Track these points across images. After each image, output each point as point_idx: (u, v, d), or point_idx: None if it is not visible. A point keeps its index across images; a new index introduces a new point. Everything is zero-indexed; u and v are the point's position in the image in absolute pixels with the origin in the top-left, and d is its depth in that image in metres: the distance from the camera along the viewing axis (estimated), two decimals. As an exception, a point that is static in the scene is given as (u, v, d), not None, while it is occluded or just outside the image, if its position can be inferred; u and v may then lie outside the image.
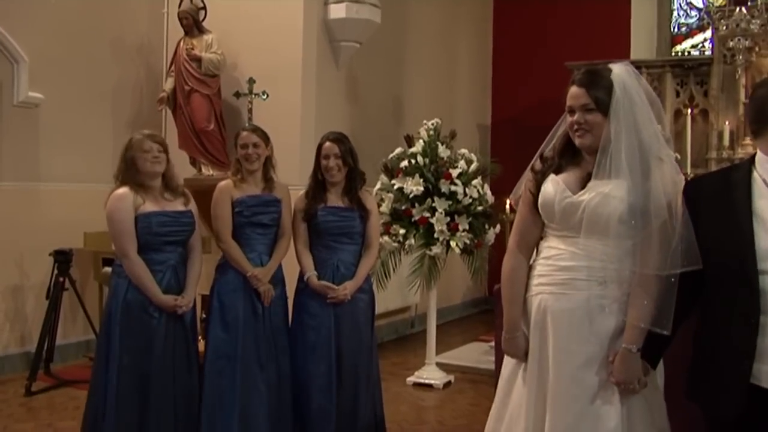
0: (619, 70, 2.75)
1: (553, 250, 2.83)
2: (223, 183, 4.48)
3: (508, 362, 3.00)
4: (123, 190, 4.07)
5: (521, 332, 2.90)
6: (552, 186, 2.82)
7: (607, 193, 2.67)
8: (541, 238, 2.93)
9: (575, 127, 2.76)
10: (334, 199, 4.45)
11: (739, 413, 2.48)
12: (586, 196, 2.72)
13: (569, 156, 2.86)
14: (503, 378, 3.01)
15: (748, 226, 2.47)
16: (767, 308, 2.43)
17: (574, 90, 2.77)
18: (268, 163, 4.49)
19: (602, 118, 2.71)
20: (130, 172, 4.08)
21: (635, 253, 2.67)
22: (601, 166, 2.70)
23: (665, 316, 2.60)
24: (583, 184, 2.77)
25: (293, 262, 4.50)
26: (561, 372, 2.74)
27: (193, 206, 4.25)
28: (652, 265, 2.63)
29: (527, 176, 2.96)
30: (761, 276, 2.43)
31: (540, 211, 2.86)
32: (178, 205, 4.16)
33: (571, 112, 2.78)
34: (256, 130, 4.50)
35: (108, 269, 5.81)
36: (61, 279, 6.08)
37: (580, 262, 2.73)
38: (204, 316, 4.90)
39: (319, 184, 4.47)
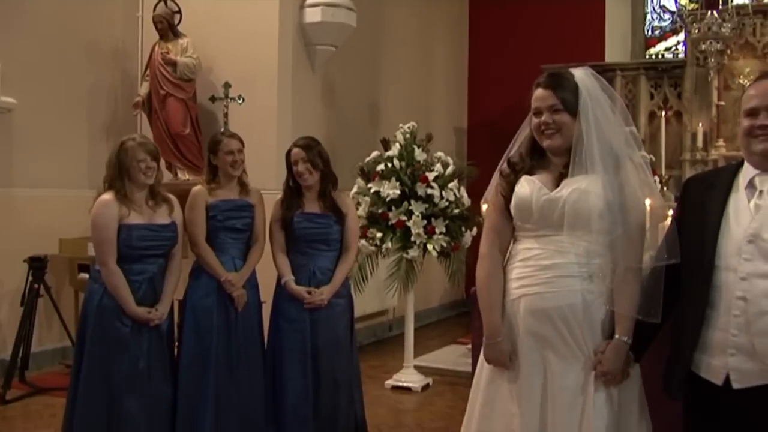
0: (581, 74, 2.84)
1: (531, 251, 2.84)
2: (197, 188, 4.46)
3: (486, 369, 2.96)
4: (108, 197, 4.02)
5: (504, 337, 2.87)
6: (528, 185, 2.85)
7: (584, 188, 2.73)
8: (512, 243, 2.95)
9: (543, 128, 2.82)
10: (310, 204, 4.45)
11: (680, 397, 2.67)
12: (564, 191, 2.76)
13: (537, 158, 2.90)
14: (479, 386, 2.99)
15: (716, 223, 2.57)
16: (715, 302, 2.53)
17: (540, 92, 2.84)
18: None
19: (570, 118, 2.78)
20: (120, 180, 4.02)
21: (615, 247, 2.73)
22: (576, 163, 2.76)
23: (654, 305, 2.67)
24: (556, 184, 2.81)
25: (269, 267, 4.49)
26: (557, 371, 2.75)
27: (177, 215, 4.22)
28: (635, 258, 2.71)
29: (496, 181, 2.99)
30: (715, 270, 2.53)
31: (513, 212, 2.88)
32: (162, 216, 4.13)
33: (538, 113, 2.83)
34: (235, 136, 4.50)
35: (84, 275, 5.78)
36: (36, 285, 6.02)
37: (563, 259, 2.76)
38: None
39: (293, 191, 4.47)
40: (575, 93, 2.79)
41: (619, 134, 2.81)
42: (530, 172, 2.88)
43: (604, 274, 2.74)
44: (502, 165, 2.97)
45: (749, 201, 2.55)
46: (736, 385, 2.48)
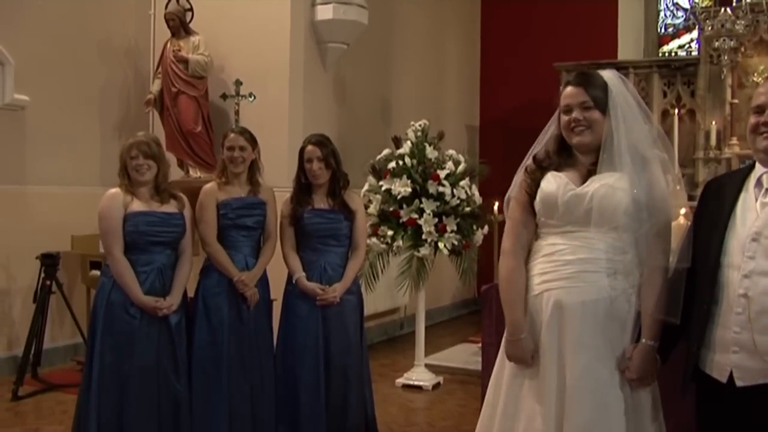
0: (609, 74, 2.87)
1: (555, 246, 2.83)
2: (208, 186, 4.46)
3: (508, 367, 2.93)
4: (115, 190, 4.11)
5: (527, 334, 2.85)
6: (555, 180, 2.85)
7: (612, 184, 2.74)
8: (535, 239, 2.95)
9: (573, 125, 2.83)
10: (320, 201, 4.45)
11: (687, 394, 2.66)
12: (591, 187, 2.77)
13: (564, 156, 2.91)
14: (502, 383, 2.95)
15: (724, 222, 2.57)
16: (719, 299, 2.54)
17: (570, 89, 2.86)
18: (254, 166, 4.47)
19: (600, 115, 2.80)
20: (123, 175, 4.12)
21: (639, 245, 2.74)
22: (605, 160, 2.78)
23: (675, 305, 2.67)
24: (583, 181, 2.82)
25: (279, 264, 4.49)
26: (577, 366, 2.73)
27: (187, 211, 4.25)
28: (662, 257, 2.73)
29: (520, 178, 2.99)
30: (721, 269, 2.54)
31: (539, 208, 2.88)
32: (169, 208, 4.15)
33: (568, 111, 2.84)
34: (244, 133, 4.48)
35: (96, 272, 5.79)
36: (48, 282, 6.04)
37: (586, 255, 2.76)
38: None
39: (303, 188, 4.47)
40: (605, 91, 2.81)
41: (647, 134, 2.82)
42: (557, 170, 2.88)
43: (628, 271, 2.74)
44: (528, 162, 2.98)
45: (756, 199, 2.55)
46: (739, 383, 2.48)
